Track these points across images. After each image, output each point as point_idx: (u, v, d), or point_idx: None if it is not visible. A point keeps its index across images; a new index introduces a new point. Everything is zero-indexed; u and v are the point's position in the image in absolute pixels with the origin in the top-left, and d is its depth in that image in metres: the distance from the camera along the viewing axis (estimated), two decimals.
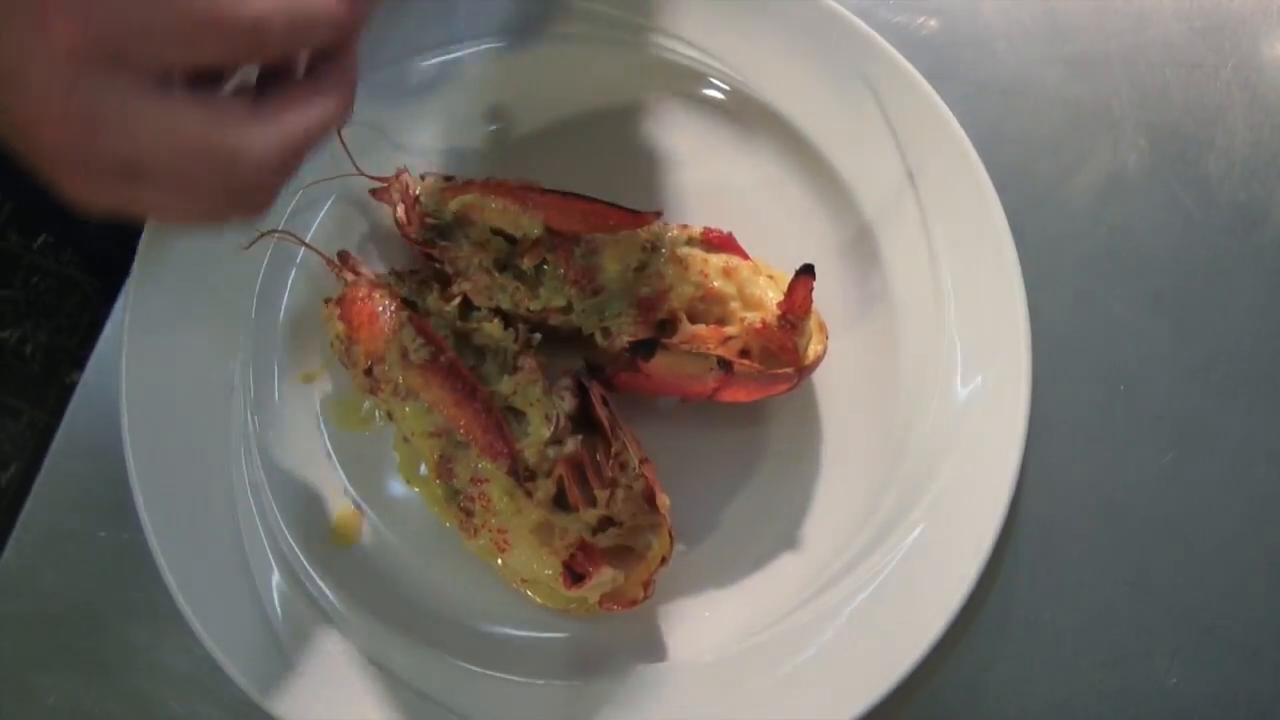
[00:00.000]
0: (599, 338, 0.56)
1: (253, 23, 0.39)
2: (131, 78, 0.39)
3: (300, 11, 0.41)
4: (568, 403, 0.55)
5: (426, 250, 0.57)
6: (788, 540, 0.57)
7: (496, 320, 0.55)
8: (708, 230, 0.57)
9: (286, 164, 0.43)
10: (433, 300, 0.56)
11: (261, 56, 0.42)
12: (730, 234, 0.57)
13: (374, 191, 0.58)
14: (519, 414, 0.54)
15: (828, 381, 0.59)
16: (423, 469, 0.57)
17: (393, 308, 0.55)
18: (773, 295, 0.56)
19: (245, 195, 0.44)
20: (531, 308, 0.55)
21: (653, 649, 0.56)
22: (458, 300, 0.56)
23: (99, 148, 0.40)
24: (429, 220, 0.57)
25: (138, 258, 0.57)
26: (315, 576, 0.56)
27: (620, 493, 0.54)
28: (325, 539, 0.57)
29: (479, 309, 0.56)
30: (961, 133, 0.58)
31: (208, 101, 0.41)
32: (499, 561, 0.55)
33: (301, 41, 0.43)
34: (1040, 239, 0.61)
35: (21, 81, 0.39)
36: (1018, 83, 0.63)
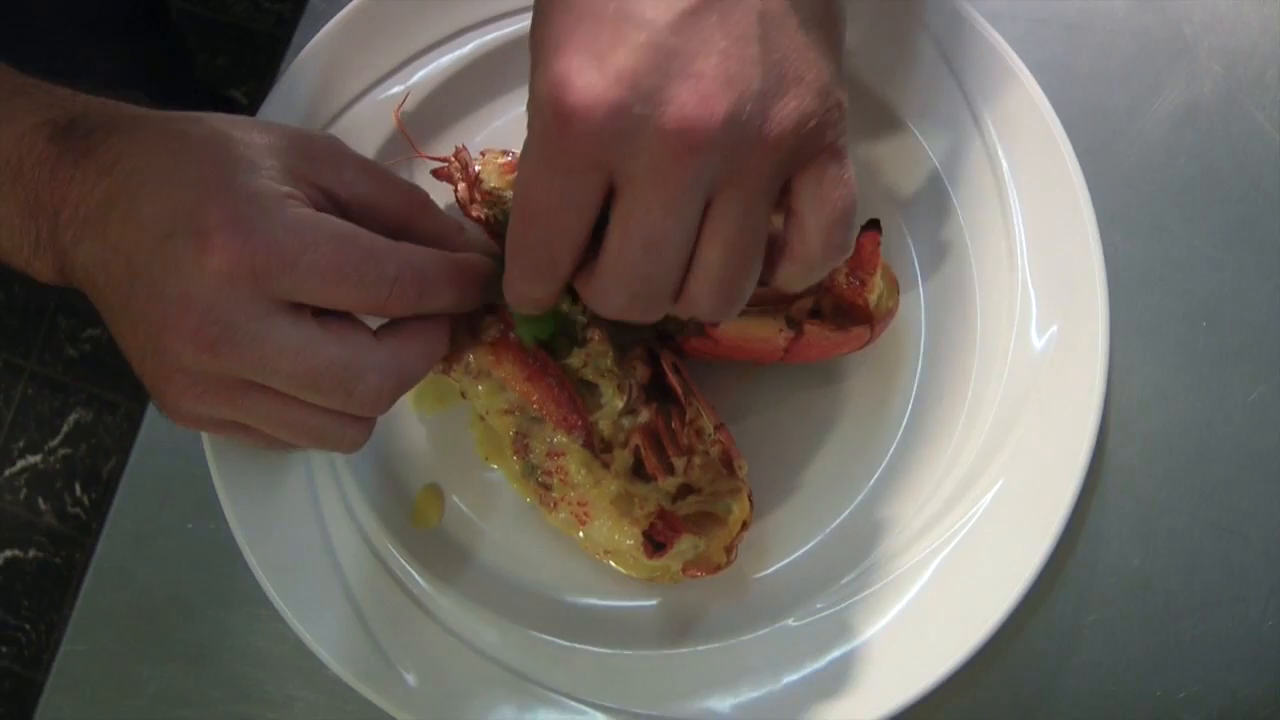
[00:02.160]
0: None
1: (391, 281, 0.44)
2: (271, 301, 0.42)
3: (432, 278, 0.45)
4: (639, 372, 0.54)
5: (490, 227, 0.57)
6: (869, 498, 0.57)
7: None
8: None
9: (395, 394, 0.46)
10: None
11: (386, 313, 0.46)
12: None
13: (435, 172, 0.58)
14: (591, 386, 0.54)
15: (901, 337, 0.58)
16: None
17: None
18: None
19: (349, 421, 0.47)
20: None
21: (740, 614, 0.56)
22: None
23: (224, 359, 0.42)
24: (491, 196, 0.56)
25: None
26: (399, 557, 0.56)
27: (698, 459, 0.54)
28: (406, 520, 0.58)
29: None
30: (1027, 72, 0.56)
31: (335, 326, 0.44)
32: (580, 534, 0.55)
33: (427, 308, 0.46)
34: (1114, 175, 0.59)
35: (168, 291, 0.41)
36: (1083, 15, 0.61)
